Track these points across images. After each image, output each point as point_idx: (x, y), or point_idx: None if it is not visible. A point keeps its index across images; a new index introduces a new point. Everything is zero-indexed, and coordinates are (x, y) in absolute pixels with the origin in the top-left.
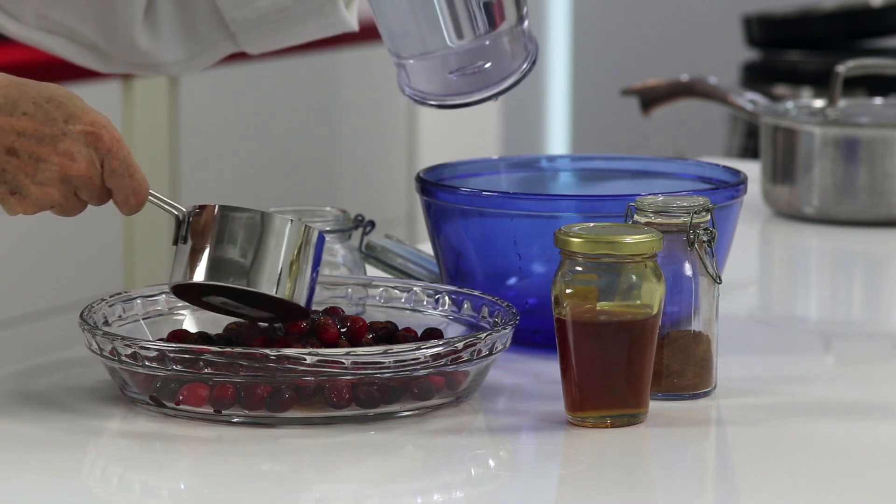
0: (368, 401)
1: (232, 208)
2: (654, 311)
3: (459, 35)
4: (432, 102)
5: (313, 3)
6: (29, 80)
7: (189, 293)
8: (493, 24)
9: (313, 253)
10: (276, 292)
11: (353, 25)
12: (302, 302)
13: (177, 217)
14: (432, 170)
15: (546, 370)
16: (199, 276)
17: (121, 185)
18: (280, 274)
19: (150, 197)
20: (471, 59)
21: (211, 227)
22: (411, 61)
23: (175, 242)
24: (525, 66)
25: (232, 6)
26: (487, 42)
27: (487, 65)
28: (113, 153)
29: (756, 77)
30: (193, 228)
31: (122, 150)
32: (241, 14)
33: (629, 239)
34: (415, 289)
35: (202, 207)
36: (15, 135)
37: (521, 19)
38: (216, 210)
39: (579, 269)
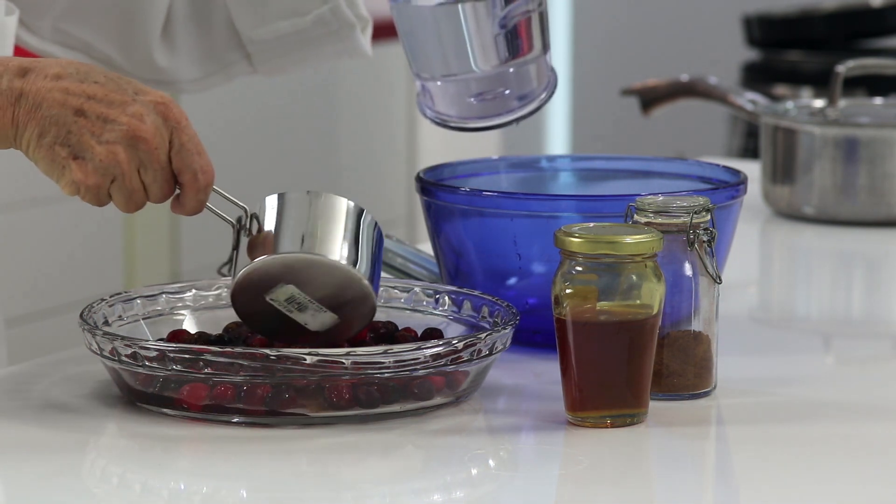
0: (368, 401)
1: (317, 192)
2: (654, 311)
3: (485, 60)
4: (453, 125)
5: (331, 26)
6: None
7: (251, 296)
8: (518, 51)
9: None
10: (373, 284)
11: (369, 52)
12: (377, 297)
13: (232, 223)
14: (432, 170)
15: (546, 370)
16: (307, 247)
17: (189, 162)
18: (371, 264)
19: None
20: (493, 85)
21: (298, 210)
22: (438, 83)
23: (235, 245)
24: (544, 94)
25: (250, 26)
26: (511, 69)
27: (508, 91)
28: (182, 127)
29: (756, 77)
30: (261, 222)
31: (190, 126)
32: (260, 34)
33: (629, 239)
34: (415, 289)
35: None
36: (85, 98)
37: (545, 49)
38: (301, 193)
39: (579, 269)
